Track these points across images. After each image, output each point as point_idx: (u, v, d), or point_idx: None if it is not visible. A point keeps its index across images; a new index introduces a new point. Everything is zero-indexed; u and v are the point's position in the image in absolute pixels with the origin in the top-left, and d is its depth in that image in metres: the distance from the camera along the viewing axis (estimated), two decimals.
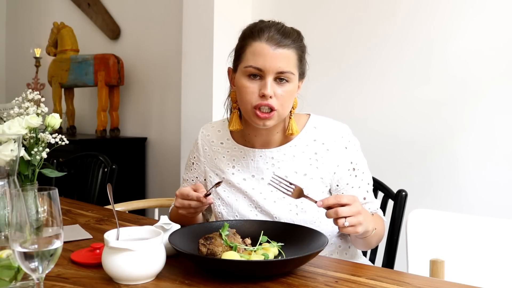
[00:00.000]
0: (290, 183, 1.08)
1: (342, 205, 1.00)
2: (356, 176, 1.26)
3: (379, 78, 2.32)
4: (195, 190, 1.12)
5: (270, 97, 1.14)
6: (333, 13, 2.46)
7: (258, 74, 1.16)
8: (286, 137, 1.27)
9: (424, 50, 2.17)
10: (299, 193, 1.08)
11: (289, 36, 1.17)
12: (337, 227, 1.03)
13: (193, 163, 1.39)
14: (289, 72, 1.15)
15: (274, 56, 1.14)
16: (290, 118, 1.24)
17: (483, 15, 2.02)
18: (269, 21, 1.21)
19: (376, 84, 2.33)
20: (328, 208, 1.01)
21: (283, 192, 1.08)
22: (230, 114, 1.28)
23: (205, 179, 1.36)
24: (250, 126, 1.26)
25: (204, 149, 1.36)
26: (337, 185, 1.26)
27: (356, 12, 2.39)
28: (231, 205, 1.27)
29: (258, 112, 1.15)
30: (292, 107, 1.23)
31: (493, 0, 1.99)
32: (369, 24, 2.35)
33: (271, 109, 1.15)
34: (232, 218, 1.26)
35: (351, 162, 1.25)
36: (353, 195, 1.09)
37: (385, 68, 2.30)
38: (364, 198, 1.27)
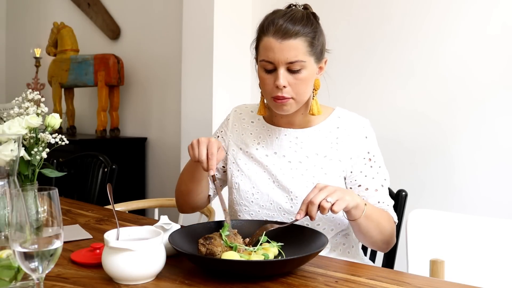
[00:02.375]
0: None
1: (312, 202, 1.04)
2: (371, 167, 1.27)
3: (375, 79, 2.32)
4: (208, 148, 1.15)
5: (284, 86, 1.18)
6: (326, 15, 2.44)
7: (272, 67, 1.20)
8: (311, 120, 1.31)
9: (422, 51, 2.17)
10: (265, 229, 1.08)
11: (297, 24, 1.18)
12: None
13: (218, 136, 1.43)
14: (299, 61, 1.18)
15: (281, 49, 1.17)
16: (312, 99, 1.27)
17: (480, 16, 2.02)
18: (281, 11, 1.23)
19: (372, 84, 2.33)
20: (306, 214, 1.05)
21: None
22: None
23: (226, 153, 1.40)
24: None
25: (234, 125, 1.41)
26: (351, 172, 1.27)
27: (351, 14, 2.39)
28: (250, 177, 1.31)
29: (276, 101, 1.21)
30: (314, 89, 1.27)
31: (489, 3, 1.99)
32: (364, 25, 2.35)
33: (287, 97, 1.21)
34: (248, 189, 1.30)
35: (368, 152, 1.28)
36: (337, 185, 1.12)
37: (382, 68, 2.29)
38: (376, 190, 1.26)
